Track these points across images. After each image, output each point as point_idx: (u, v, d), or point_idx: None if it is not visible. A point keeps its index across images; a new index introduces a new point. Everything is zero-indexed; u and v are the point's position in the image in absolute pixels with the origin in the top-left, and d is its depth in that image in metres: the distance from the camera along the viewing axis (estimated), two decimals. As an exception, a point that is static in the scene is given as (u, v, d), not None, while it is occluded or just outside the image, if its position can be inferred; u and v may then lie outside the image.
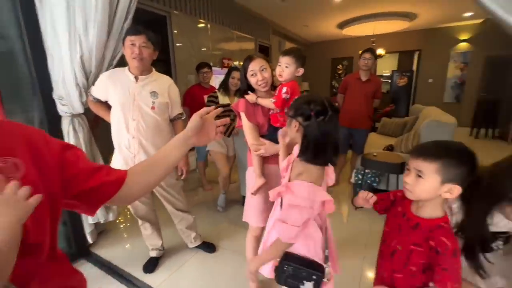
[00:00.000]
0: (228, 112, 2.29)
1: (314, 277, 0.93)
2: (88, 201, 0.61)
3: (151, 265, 1.77)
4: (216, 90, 2.36)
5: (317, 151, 0.85)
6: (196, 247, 1.94)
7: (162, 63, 3.35)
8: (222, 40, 4.31)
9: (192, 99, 2.72)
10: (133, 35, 1.41)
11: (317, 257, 0.97)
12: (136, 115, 1.47)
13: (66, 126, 1.71)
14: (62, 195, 0.56)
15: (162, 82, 1.56)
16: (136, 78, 1.48)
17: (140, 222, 1.76)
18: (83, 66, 1.54)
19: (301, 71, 1.29)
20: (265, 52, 5.67)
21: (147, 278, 1.69)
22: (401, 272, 0.84)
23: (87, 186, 0.59)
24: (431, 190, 0.74)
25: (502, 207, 0.75)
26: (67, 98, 1.62)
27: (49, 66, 1.59)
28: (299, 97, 0.95)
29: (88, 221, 1.90)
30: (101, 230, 2.18)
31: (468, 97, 6.40)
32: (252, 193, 1.34)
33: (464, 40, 6.30)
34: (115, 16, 1.50)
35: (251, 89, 1.36)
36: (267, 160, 1.34)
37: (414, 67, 7.27)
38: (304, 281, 0.93)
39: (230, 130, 2.28)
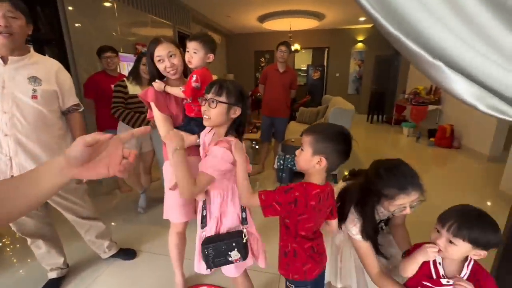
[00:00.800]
0: (141, 103, 2.07)
1: (234, 244, 0.96)
2: None
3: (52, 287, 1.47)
4: (125, 79, 2.08)
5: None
6: (112, 256, 1.71)
7: (54, 45, 2.76)
8: (134, 24, 3.84)
9: (97, 89, 2.34)
10: None
11: (237, 217, 1.03)
12: (8, 107, 1.14)
13: None
14: None
15: (46, 66, 1.27)
16: (4, 59, 1.15)
17: (29, 241, 1.42)
18: None
19: (211, 57, 1.23)
20: (184, 40, 5.37)
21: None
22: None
23: None
24: (306, 160, 0.87)
25: (381, 202, 0.92)
26: None
27: None
28: (236, 85, 0.97)
29: None
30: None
31: (365, 89, 7.69)
32: (170, 188, 1.25)
33: (360, 41, 7.48)
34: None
35: (161, 76, 1.24)
36: (187, 152, 1.27)
37: (325, 63, 8.21)
38: (229, 252, 0.96)
39: (144, 124, 2.06)
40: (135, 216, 2.31)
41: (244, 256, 0.98)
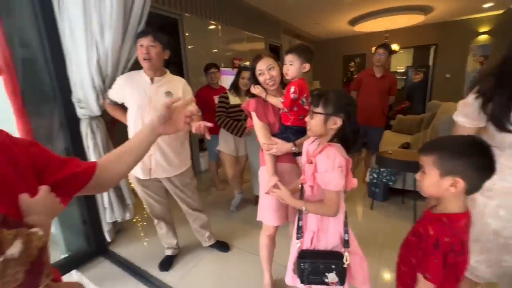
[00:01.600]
0: (239, 112, 2.30)
1: (333, 266, 0.94)
2: (60, 191, 0.59)
3: (166, 264, 1.80)
4: (227, 91, 2.37)
5: (355, 140, 0.98)
6: (210, 246, 1.96)
7: (175, 66, 3.40)
8: (232, 41, 4.34)
9: (202, 101, 2.75)
10: (140, 37, 1.46)
11: (338, 237, 0.98)
12: (152, 116, 1.50)
13: (84, 128, 1.77)
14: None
15: (176, 83, 1.59)
16: (152, 79, 1.52)
17: (155, 221, 1.80)
18: (100, 70, 1.59)
19: (307, 67, 1.27)
20: (275, 51, 5.66)
21: (163, 276, 1.72)
22: (405, 265, 0.83)
23: (58, 177, 0.60)
24: (433, 184, 0.73)
25: None
26: (85, 101, 1.68)
27: (68, 70, 1.66)
28: (336, 95, 0.96)
29: (106, 219, 1.96)
30: (118, 229, 2.24)
31: (489, 92, 6.12)
32: (265, 192, 1.34)
33: (483, 33, 6.02)
34: (129, 20, 1.53)
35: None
36: (279, 159, 1.34)
37: (430, 62, 7.02)
38: (326, 274, 0.94)
39: (242, 130, 2.28)
40: (228, 213, 2.56)
41: (341, 281, 0.95)
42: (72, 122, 1.74)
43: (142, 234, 2.28)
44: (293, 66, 1.26)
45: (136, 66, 1.58)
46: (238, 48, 4.47)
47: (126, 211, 2.08)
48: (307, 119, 1.00)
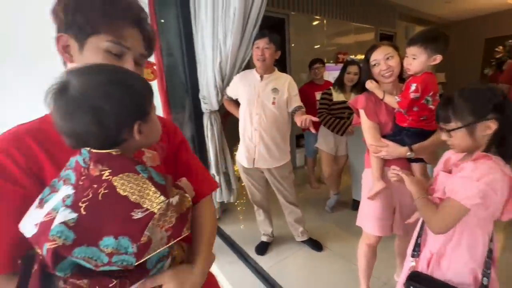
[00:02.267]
0: (342, 109, 2.19)
1: None
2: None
3: (262, 249, 1.95)
4: (331, 87, 2.28)
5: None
6: (303, 241, 1.98)
7: (279, 63, 3.56)
8: (337, 34, 4.13)
9: (304, 97, 2.76)
10: (258, 39, 1.61)
11: (471, 276, 0.79)
12: (259, 110, 1.64)
13: (205, 121, 2.12)
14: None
15: (282, 80, 1.68)
16: (261, 77, 1.66)
17: (255, 207, 1.97)
18: (221, 71, 1.86)
19: (437, 58, 1.04)
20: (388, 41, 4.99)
21: (258, 259, 1.88)
22: None
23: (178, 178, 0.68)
24: None
25: None
26: (208, 98, 2.01)
27: (198, 72, 2.02)
28: (468, 94, 0.76)
29: (216, 199, 2.30)
30: (225, 209, 2.58)
31: None
32: (368, 198, 1.23)
33: None
34: (247, 25, 1.71)
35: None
36: (388, 163, 1.20)
37: None
38: None
39: (344, 129, 2.16)
40: (322, 213, 2.51)
41: None
42: (197, 115, 2.13)
43: (241, 218, 2.55)
44: (417, 60, 1.06)
45: (248, 65, 1.77)
46: (343, 42, 4.22)
47: (231, 194, 2.37)
48: (443, 137, 0.82)
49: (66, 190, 0.44)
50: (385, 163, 1.21)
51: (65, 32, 0.53)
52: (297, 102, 1.70)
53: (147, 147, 0.55)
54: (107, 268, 0.41)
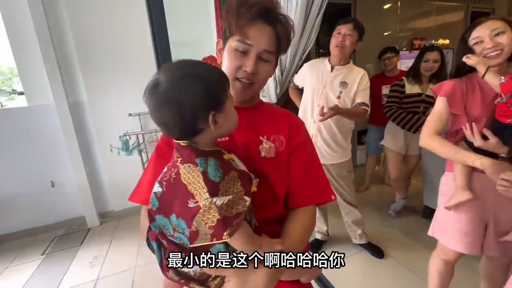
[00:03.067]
0: (417, 103, 1.91)
1: None
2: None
3: (315, 246, 1.89)
4: (403, 78, 2.01)
5: None
6: (361, 245, 1.84)
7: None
8: (414, 17, 3.61)
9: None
10: (341, 24, 1.50)
11: None
12: (322, 102, 1.56)
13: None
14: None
15: (354, 74, 1.57)
16: (332, 68, 1.57)
17: (311, 204, 1.91)
18: (280, 63, 1.83)
19: None
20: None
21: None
22: None
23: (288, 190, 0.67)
24: None
25: None
26: (266, 91, 2.01)
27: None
28: None
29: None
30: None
31: None
32: (446, 207, 1.05)
33: None
34: (309, 14, 1.63)
35: (468, 71, 1.03)
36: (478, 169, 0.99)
37: None
38: None
39: (418, 126, 1.89)
40: (385, 217, 2.28)
41: None
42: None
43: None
44: None
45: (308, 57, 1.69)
46: (420, 25, 3.67)
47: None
48: None
49: (165, 168, 0.55)
50: (474, 169, 1.00)
51: (221, 39, 0.66)
52: (361, 97, 1.56)
53: (224, 136, 0.58)
54: (172, 239, 0.51)
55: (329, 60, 1.60)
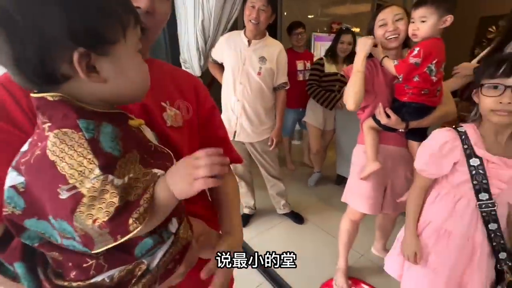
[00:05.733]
0: (333, 82, 2.08)
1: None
2: None
3: (243, 221, 1.93)
4: (322, 58, 2.14)
5: None
6: (285, 214, 1.98)
7: (270, 30, 3.32)
8: (332, 3, 3.88)
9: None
10: None
11: None
12: (243, 80, 1.51)
13: (187, 87, 1.96)
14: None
15: (272, 48, 1.54)
16: (249, 42, 1.50)
17: (237, 179, 1.90)
18: (203, 31, 1.66)
19: (448, 20, 0.92)
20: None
21: (239, 231, 1.87)
22: None
23: None
24: None
25: None
26: (189, 62, 1.82)
27: (178, 32, 1.81)
28: None
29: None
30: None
31: None
32: (361, 178, 1.17)
33: None
34: (233, -24, 1.51)
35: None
36: (384, 140, 1.13)
37: None
38: None
39: (334, 102, 2.07)
40: (305, 187, 2.51)
41: None
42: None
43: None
44: (426, 23, 0.93)
45: (236, 26, 1.58)
46: (338, 12, 3.98)
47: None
48: (503, 101, 0.69)
49: (25, 146, 0.34)
50: (381, 140, 1.14)
51: None
52: (283, 77, 1.58)
53: (123, 101, 0.39)
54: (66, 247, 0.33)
55: (244, 33, 1.53)
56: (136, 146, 0.36)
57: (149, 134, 0.43)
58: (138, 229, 0.31)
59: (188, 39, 1.74)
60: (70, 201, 0.29)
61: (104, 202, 0.30)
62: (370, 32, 1.10)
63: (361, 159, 1.17)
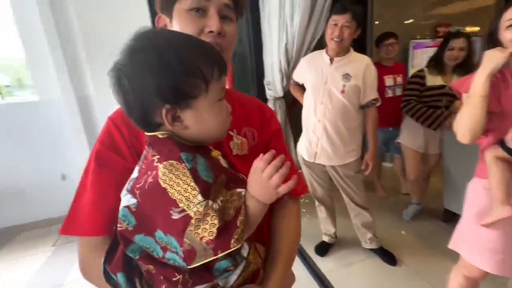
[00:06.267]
0: (438, 96, 1.73)
1: None
2: None
3: (322, 249, 1.78)
4: (424, 69, 1.81)
5: None
6: (372, 250, 1.71)
7: (357, 42, 3.12)
8: (439, 2, 3.31)
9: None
10: (337, 14, 1.34)
11: None
12: (325, 99, 1.44)
13: (269, 108, 2.03)
14: None
15: (358, 63, 1.41)
16: (331, 60, 1.43)
17: (316, 203, 1.80)
18: (286, 53, 1.71)
19: None
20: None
21: (316, 259, 1.73)
22: None
23: None
24: None
25: None
26: (272, 83, 1.90)
27: (264, 56, 1.93)
28: None
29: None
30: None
31: None
32: (483, 225, 0.89)
33: None
34: (317, -2, 1.50)
35: None
36: None
37: None
38: None
39: (440, 121, 1.70)
40: (399, 220, 2.12)
41: None
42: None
43: (304, 211, 2.41)
44: None
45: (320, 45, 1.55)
46: (446, 11, 3.37)
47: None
48: None
49: (135, 172, 0.43)
50: None
51: (161, 12, 0.54)
52: (372, 93, 1.42)
53: (205, 141, 0.45)
54: (166, 261, 0.39)
55: (326, 51, 1.45)
56: (222, 173, 0.42)
57: (223, 162, 0.48)
58: (237, 246, 0.37)
59: (272, 62, 1.83)
60: (181, 222, 0.36)
61: (207, 224, 0.36)
62: (491, 35, 0.86)
63: (481, 198, 0.90)
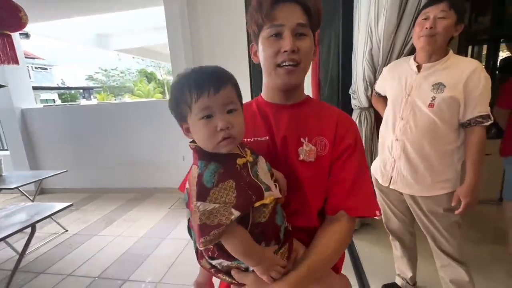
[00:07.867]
0: None
1: None
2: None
3: (391, 293, 1.49)
4: None
5: None
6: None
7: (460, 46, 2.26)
8: None
9: (505, 100, 1.58)
10: (429, 5, 1.07)
11: None
12: (406, 114, 1.18)
13: (354, 118, 1.86)
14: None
15: (459, 70, 1.07)
16: (419, 67, 1.16)
17: (390, 236, 1.51)
18: (372, 60, 1.52)
19: None
20: None
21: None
22: None
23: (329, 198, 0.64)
24: None
25: None
26: (356, 93, 1.74)
27: (352, 63, 1.78)
28: None
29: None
30: (365, 223, 2.21)
31: None
32: None
33: None
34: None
35: None
36: None
37: None
38: None
39: None
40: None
41: None
42: (346, 112, 1.91)
43: (382, 242, 2.04)
44: None
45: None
46: None
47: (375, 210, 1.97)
48: None
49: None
50: None
51: (253, 42, 0.67)
52: (479, 107, 1.05)
53: (209, 148, 0.53)
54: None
55: (414, 58, 1.17)
56: (233, 178, 0.49)
57: (262, 164, 0.56)
58: (202, 248, 0.48)
59: (357, 69, 1.68)
60: (194, 214, 0.49)
61: (194, 219, 0.47)
62: None
63: None
